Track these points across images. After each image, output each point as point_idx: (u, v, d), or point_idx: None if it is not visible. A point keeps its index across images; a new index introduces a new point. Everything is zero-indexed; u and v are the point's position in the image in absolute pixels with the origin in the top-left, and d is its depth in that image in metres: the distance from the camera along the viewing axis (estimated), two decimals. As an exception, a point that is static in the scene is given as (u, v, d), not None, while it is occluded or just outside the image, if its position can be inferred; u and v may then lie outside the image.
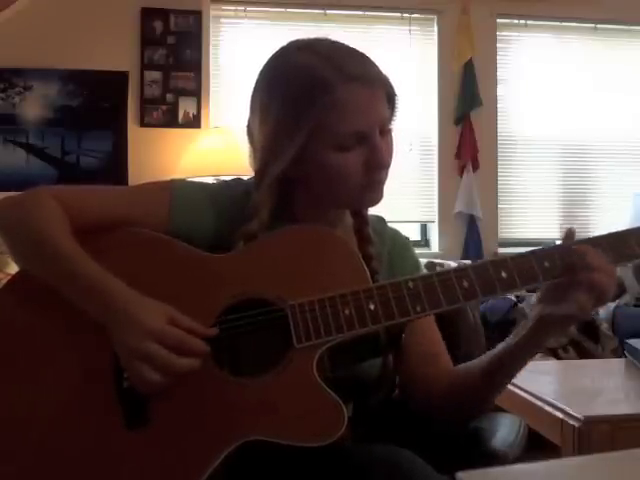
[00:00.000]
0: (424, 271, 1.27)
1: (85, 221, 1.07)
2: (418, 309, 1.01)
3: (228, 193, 1.16)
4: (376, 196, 1.13)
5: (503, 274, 1.02)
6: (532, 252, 1.04)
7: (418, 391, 1.19)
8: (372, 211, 1.24)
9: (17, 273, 1.11)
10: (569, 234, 1.06)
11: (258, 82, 1.14)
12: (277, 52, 1.13)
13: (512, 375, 1.12)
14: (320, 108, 1.05)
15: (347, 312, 1.00)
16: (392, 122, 1.13)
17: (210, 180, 2.28)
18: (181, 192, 1.13)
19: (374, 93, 1.08)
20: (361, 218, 1.19)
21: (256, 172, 1.13)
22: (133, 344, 0.97)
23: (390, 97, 1.12)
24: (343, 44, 1.11)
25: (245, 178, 1.21)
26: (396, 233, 1.27)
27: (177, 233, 1.09)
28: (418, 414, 1.19)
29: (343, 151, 1.07)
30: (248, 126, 1.17)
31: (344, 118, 1.06)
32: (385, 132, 1.11)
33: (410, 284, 1.01)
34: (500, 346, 1.11)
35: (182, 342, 0.98)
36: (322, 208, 1.16)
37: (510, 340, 1.09)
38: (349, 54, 1.09)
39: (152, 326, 0.97)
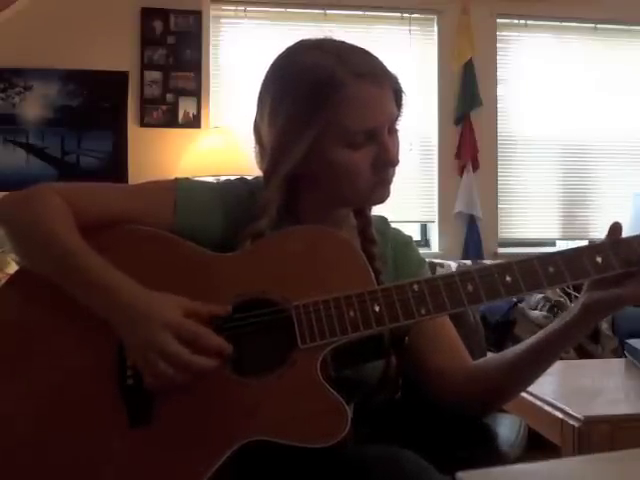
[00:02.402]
0: (428, 268, 1.27)
1: (88, 218, 1.07)
2: (423, 311, 1.00)
3: (235, 192, 1.16)
4: (384, 194, 1.14)
5: (508, 278, 1.01)
6: (537, 257, 1.03)
7: (442, 394, 1.18)
8: (374, 211, 1.24)
9: (17, 271, 1.10)
10: (614, 229, 1.05)
11: (266, 83, 1.14)
12: (284, 52, 1.14)
13: (545, 367, 1.12)
14: (331, 105, 1.06)
15: (352, 314, 1.00)
16: (399, 121, 1.14)
17: (210, 180, 2.28)
18: (186, 192, 1.13)
19: (383, 91, 1.09)
20: (364, 219, 1.20)
21: (265, 171, 1.13)
22: (148, 337, 0.96)
23: (397, 95, 1.13)
24: (350, 43, 1.12)
25: (249, 178, 1.21)
26: (398, 232, 1.28)
27: (181, 233, 1.09)
28: (433, 404, 1.19)
29: (353, 149, 1.08)
30: (255, 125, 1.16)
31: (354, 115, 1.06)
32: (392, 131, 1.12)
33: (415, 287, 1.01)
34: (537, 335, 1.10)
35: (202, 339, 0.97)
36: (328, 208, 1.17)
37: (551, 328, 1.08)
38: (357, 52, 1.10)
39: (168, 318, 0.97)
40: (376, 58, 1.11)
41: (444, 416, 1.18)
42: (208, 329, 0.99)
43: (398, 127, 1.14)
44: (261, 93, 1.14)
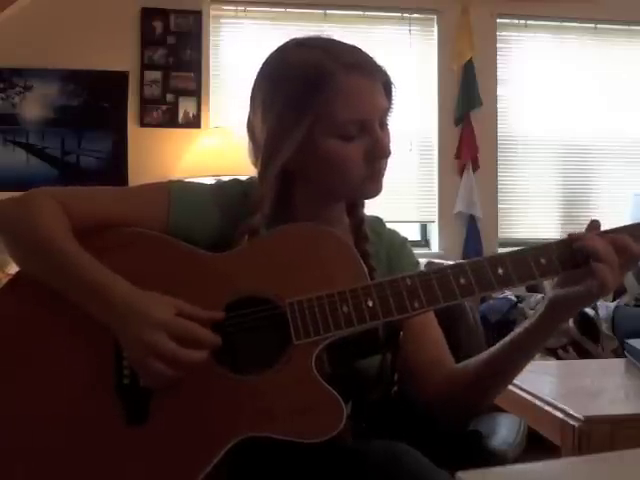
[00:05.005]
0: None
1: (82, 221, 1.08)
2: (416, 305, 1.01)
3: (229, 192, 1.17)
4: (376, 187, 1.14)
5: (500, 271, 1.02)
6: (531, 248, 1.05)
7: (420, 394, 1.18)
8: (370, 211, 1.25)
9: (17, 273, 1.11)
10: (592, 225, 1.10)
11: (258, 81, 1.15)
12: (275, 51, 1.15)
13: (520, 365, 1.12)
14: (322, 98, 1.07)
15: (345, 309, 1.01)
16: (389, 115, 1.15)
17: (210, 180, 2.28)
18: (179, 193, 1.13)
19: (373, 83, 1.10)
20: (357, 216, 1.21)
21: (259, 167, 1.14)
22: (142, 337, 0.97)
23: (387, 88, 1.14)
24: (338, 40, 1.14)
25: (242, 178, 1.22)
26: (394, 233, 1.28)
27: (175, 234, 1.10)
28: (420, 413, 1.19)
29: (345, 140, 1.09)
30: (249, 123, 1.18)
31: (346, 107, 1.08)
32: (383, 124, 1.13)
33: (408, 281, 1.02)
34: (509, 336, 1.10)
35: (191, 333, 0.98)
36: (321, 203, 1.18)
37: (521, 328, 1.09)
38: (346, 47, 1.12)
39: (160, 317, 0.98)
40: (365, 52, 1.12)
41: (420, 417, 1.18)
42: (196, 324, 0.99)
43: (389, 121, 1.15)
44: (253, 91, 1.16)
